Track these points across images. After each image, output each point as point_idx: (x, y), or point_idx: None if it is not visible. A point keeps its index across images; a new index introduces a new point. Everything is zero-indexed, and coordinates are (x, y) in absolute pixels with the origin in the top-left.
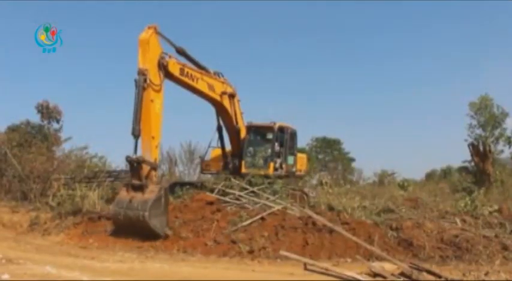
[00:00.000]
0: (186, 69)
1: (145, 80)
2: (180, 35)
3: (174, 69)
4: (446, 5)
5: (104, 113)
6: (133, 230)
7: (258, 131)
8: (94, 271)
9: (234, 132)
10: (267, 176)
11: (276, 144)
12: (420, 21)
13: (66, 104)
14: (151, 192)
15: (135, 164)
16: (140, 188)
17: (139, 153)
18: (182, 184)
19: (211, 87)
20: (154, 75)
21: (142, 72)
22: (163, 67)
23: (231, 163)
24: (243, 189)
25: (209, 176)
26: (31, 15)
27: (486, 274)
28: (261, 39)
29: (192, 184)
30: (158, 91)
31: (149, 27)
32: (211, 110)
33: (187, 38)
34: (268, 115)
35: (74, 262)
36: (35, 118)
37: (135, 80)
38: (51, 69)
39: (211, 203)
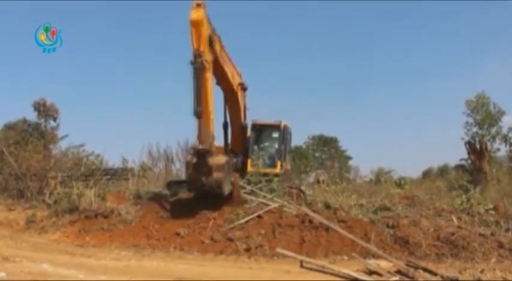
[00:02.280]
0: (222, 51)
1: (202, 62)
2: (180, 32)
3: (217, 48)
4: (443, 4)
5: (101, 111)
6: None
7: (264, 129)
8: (90, 269)
9: (239, 129)
10: (265, 175)
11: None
12: (418, 21)
13: (62, 102)
14: (219, 170)
15: (200, 152)
16: (208, 170)
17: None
18: (179, 182)
19: (233, 75)
20: (207, 54)
21: (199, 54)
22: (211, 44)
23: (233, 160)
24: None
25: None
26: (31, 15)
27: (482, 271)
28: (257, 36)
29: None
30: (210, 69)
31: (198, 5)
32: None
33: (185, 34)
34: (263, 112)
35: (70, 260)
36: (32, 116)
37: (191, 62)
38: (48, 68)
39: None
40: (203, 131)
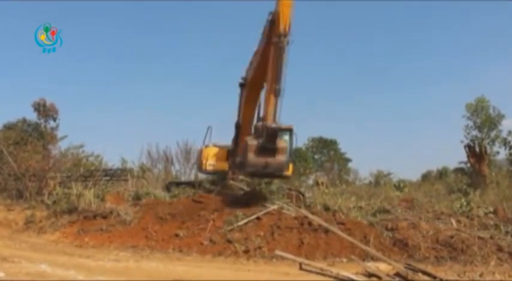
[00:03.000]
0: None
1: (288, 42)
2: (179, 33)
3: None
4: (442, 6)
5: (100, 112)
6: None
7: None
8: (89, 270)
9: (250, 130)
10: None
11: None
12: (417, 24)
13: (62, 103)
14: (282, 153)
15: (275, 131)
16: (272, 152)
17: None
18: (179, 183)
19: None
20: (288, 37)
21: (285, 34)
22: None
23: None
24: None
25: (205, 176)
26: (31, 15)
27: (481, 275)
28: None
29: (189, 184)
30: (287, 51)
31: None
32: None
33: (185, 34)
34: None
35: (69, 260)
36: (32, 116)
37: (277, 43)
38: (48, 68)
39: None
40: (276, 111)
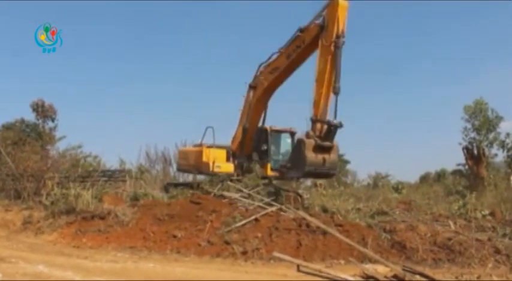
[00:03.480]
0: None
1: (344, 43)
2: (179, 33)
3: None
4: (440, 6)
5: (99, 113)
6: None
7: (279, 135)
8: (87, 271)
9: (253, 132)
10: (264, 177)
11: None
12: (416, 25)
13: (61, 103)
14: (335, 151)
15: (334, 128)
16: (328, 149)
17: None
18: (177, 184)
19: None
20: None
21: (343, 35)
22: None
23: (244, 164)
24: (239, 191)
25: (203, 177)
26: (31, 15)
27: (478, 277)
28: (254, 38)
29: (187, 185)
30: None
31: None
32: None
33: (185, 34)
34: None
35: (66, 261)
36: (30, 117)
37: (335, 42)
38: (47, 68)
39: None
40: (337, 109)
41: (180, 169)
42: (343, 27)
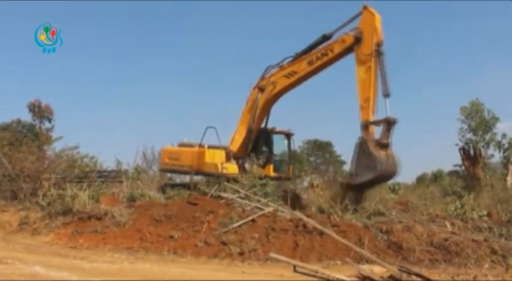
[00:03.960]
0: None
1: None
2: (179, 33)
3: None
4: (437, 6)
5: (96, 113)
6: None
7: (277, 136)
8: (83, 272)
9: (255, 134)
10: (279, 179)
11: None
12: (414, 26)
13: (57, 104)
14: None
15: (393, 124)
16: (386, 146)
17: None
18: (174, 185)
19: None
20: None
21: (382, 43)
22: None
23: (244, 163)
24: (235, 191)
25: (200, 177)
26: (31, 15)
27: (474, 277)
28: (253, 39)
29: (184, 185)
30: None
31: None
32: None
33: (184, 35)
34: None
35: (63, 262)
36: (27, 117)
37: (378, 50)
38: (43, 69)
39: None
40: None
41: (166, 169)
42: (381, 37)
